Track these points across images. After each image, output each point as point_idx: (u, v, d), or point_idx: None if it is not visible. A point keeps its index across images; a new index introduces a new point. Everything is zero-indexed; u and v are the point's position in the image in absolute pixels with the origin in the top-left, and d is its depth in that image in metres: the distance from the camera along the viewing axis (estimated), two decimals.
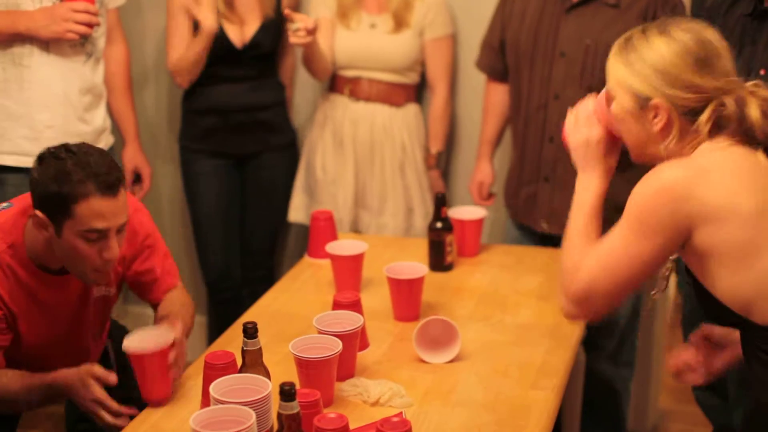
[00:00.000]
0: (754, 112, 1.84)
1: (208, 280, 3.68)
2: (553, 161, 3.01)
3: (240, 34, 3.38)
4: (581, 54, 2.96)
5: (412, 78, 3.45)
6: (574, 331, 2.49)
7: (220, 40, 3.32)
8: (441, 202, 2.85)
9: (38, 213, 2.18)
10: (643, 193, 1.85)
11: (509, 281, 2.81)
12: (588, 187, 2.03)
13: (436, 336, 2.34)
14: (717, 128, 1.86)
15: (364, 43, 3.37)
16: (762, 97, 1.87)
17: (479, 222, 2.97)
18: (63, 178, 2.14)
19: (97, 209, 2.15)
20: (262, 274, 3.71)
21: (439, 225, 2.84)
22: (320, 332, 2.21)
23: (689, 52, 1.84)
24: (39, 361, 2.32)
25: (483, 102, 3.35)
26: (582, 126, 2.05)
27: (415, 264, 2.61)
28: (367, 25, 3.38)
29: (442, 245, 2.84)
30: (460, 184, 3.64)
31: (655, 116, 1.87)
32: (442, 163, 3.53)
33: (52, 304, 2.33)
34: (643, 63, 1.87)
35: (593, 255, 1.93)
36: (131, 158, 3.36)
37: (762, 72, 2.38)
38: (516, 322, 2.56)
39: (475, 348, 2.39)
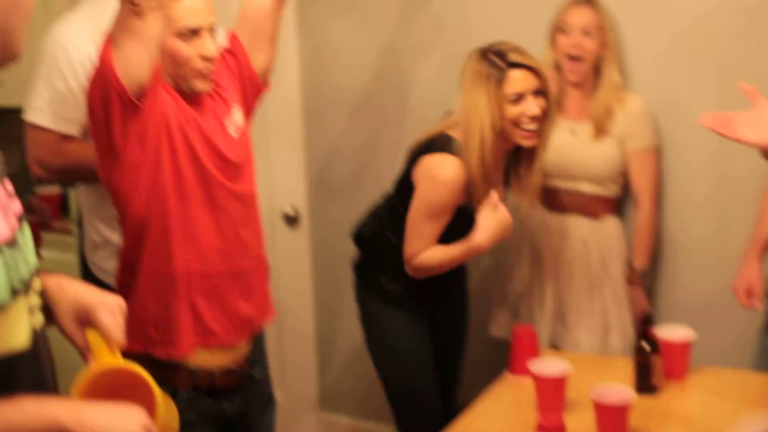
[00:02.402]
0: None
1: None
2: None
3: None
4: None
5: (612, 190, 3.35)
6: None
7: None
8: (647, 321, 2.72)
9: None
10: None
11: (722, 408, 2.64)
12: None
13: None
14: None
15: (563, 150, 3.29)
16: None
17: (688, 344, 2.82)
18: None
19: None
20: None
21: (645, 346, 2.71)
22: None
23: None
24: None
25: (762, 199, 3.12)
26: None
27: (621, 387, 2.50)
28: (566, 131, 3.31)
29: (648, 367, 2.71)
30: (663, 302, 3.49)
31: None
32: (646, 279, 3.40)
33: None
34: None
35: None
36: None
37: None
38: None
39: None
